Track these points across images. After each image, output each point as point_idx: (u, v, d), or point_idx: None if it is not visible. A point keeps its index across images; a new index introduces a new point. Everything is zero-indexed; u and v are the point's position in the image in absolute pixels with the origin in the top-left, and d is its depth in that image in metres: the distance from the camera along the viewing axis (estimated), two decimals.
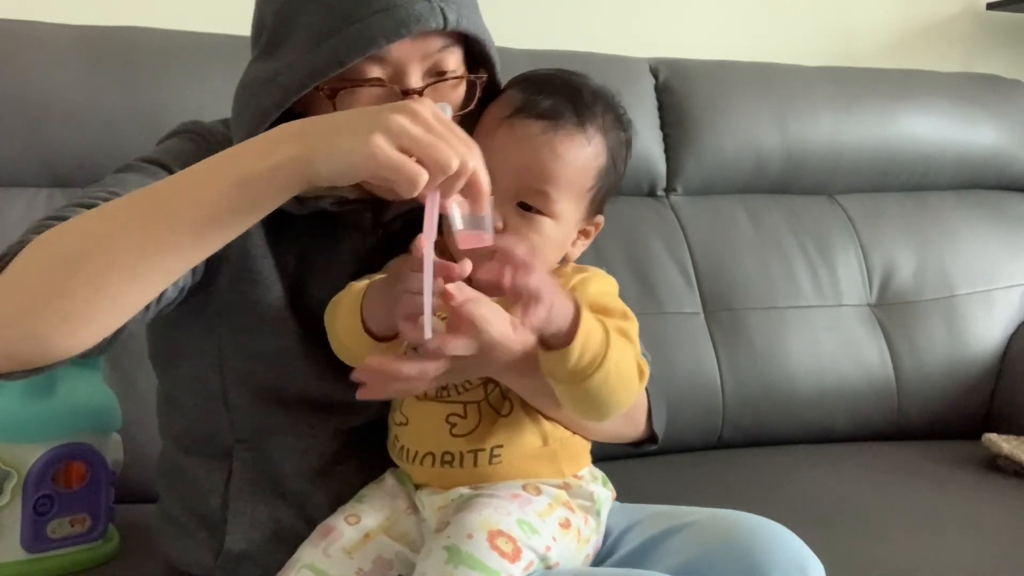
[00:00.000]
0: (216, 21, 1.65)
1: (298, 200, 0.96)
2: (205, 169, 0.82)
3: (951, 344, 1.89)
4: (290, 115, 0.89)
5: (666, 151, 1.89)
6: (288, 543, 0.99)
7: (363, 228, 1.04)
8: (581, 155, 0.97)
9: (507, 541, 0.88)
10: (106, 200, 0.85)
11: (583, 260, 1.05)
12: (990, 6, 2.34)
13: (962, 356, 1.89)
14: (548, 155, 0.95)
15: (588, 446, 1.06)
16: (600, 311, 0.93)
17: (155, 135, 1.03)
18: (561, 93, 0.98)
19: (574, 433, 1.03)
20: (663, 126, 1.89)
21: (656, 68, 1.92)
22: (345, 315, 0.95)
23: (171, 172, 0.93)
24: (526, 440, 1.00)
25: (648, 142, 1.86)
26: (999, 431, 1.71)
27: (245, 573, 1.02)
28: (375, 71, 0.93)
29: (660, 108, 1.89)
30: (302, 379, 1.02)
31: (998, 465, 1.65)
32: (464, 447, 0.98)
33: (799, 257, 1.89)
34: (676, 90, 1.90)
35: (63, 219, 0.83)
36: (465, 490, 0.97)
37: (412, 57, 0.93)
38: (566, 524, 0.97)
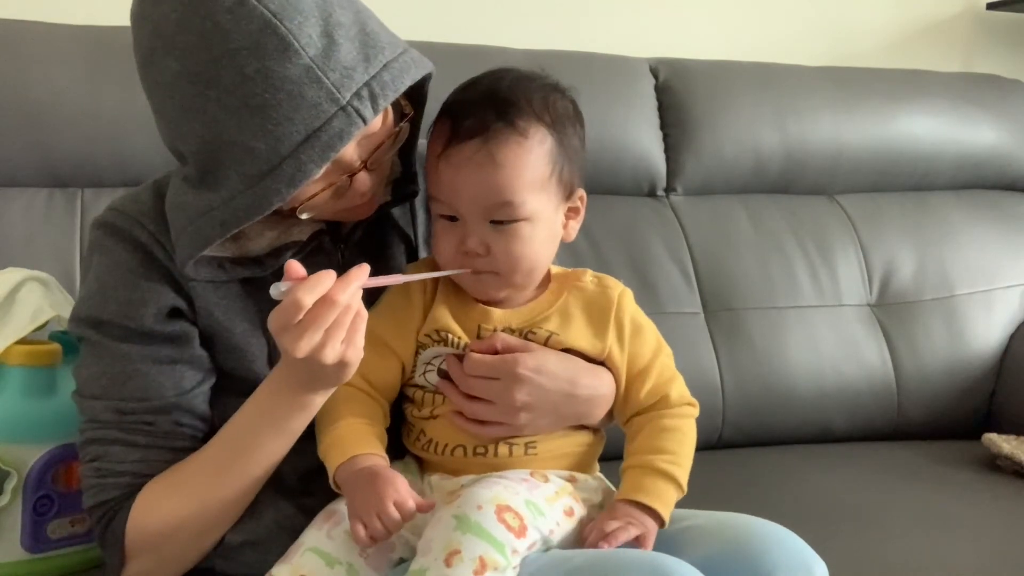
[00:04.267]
0: None
1: (259, 263, 1.02)
2: (250, 430, 1.00)
3: (951, 344, 1.89)
4: None
5: (666, 151, 1.89)
6: (288, 532, 1.00)
7: (326, 250, 1.07)
8: (522, 152, 0.96)
9: (514, 517, 0.90)
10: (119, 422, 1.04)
11: (584, 261, 1.04)
12: (990, 6, 2.34)
13: (962, 356, 1.89)
14: (491, 171, 0.95)
15: None
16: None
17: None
18: (480, 103, 0.97)
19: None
20: (663, 126, 1.89)
21: (656, 68, 1.92)
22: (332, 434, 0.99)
23: (132, 333, 1.02)
24: (576, 432, 1.04)
25: (648, 142, 1.86)
26: (999, 431, 1.71)
27: (245, 560, 1.03)
28: (316, 177, 0.92)
29: (660, 108, 1.89)
30: None
31: (998, 465, 1.65)
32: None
33: (799, 257, 1.88)
34: (676, 90, 1.90)
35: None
36: (475, 475, 1.00)
37: (344, 153, 0.94)
38: (570, 512, 0.98)
